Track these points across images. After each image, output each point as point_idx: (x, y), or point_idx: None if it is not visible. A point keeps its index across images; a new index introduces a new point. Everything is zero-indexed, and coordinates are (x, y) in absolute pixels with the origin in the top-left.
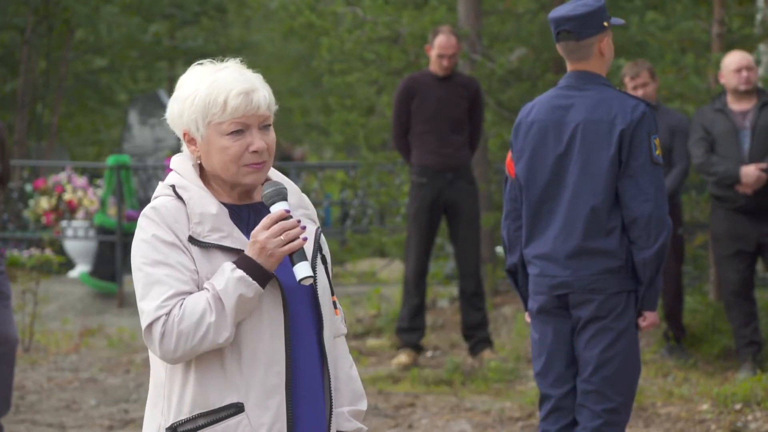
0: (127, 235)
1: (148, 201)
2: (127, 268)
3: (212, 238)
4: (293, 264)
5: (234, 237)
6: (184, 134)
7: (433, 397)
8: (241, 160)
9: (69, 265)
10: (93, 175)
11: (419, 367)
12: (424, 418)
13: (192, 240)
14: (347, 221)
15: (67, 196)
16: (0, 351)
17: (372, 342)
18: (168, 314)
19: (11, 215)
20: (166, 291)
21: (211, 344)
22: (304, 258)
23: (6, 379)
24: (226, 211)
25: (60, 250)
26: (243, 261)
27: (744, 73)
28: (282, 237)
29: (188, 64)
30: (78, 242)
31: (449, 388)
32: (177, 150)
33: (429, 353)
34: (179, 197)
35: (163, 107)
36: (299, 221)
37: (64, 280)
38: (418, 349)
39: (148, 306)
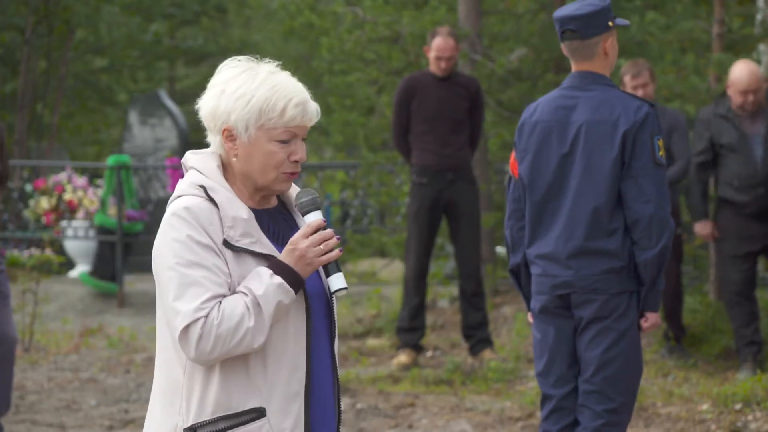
0: (127, 235)
1: (148, 201)
2: (127, 268)
3: (244, 243)
4: (328, 275)
5: (262, 242)
6: (225, 130)
7: (433, 397)
8: (282, 167)
9: (69, 265)
10: (93, 175)
11: (419, 367)
12: (424, 418)
13: (226, 243)
14: (347, 221)
15: (67, 196)
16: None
17: (372, 342)
18: (206, 317)
19: (11, 215)
20: (203, 293)
21: (246, 348)
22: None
23: (6, 378)
24: (253, 215)
25: (60, 250)
26: (281, 268)
27: (750, 98)
28: (321, 247)
29: (188, 64)
30: (78, 242)
31: (449, 388)
32: (177, 150)
33: (429, 353)
34: (211, 199)
35: (163, 107)
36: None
37: (64, 280)
38: (418, 349)
39: (185, 307)
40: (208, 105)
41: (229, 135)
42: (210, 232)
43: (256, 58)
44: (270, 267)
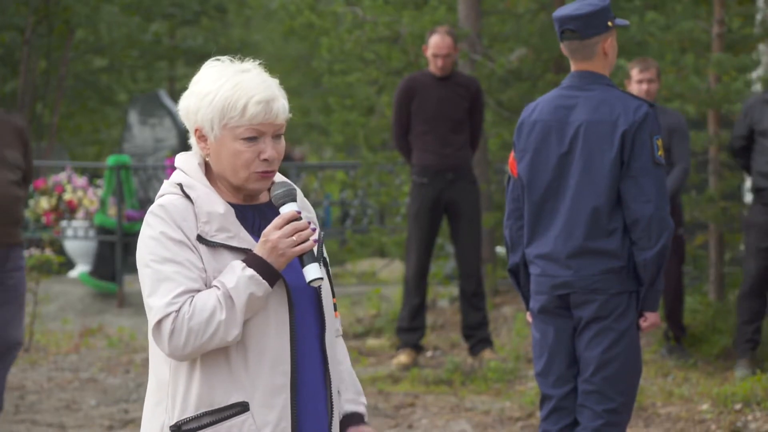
0: (127, 236)
1: (148, 201)
2: (127, 268)
3: (220, 238)
4: (303, 265)
5: (240, 237)
6: (196, 131)
7: (433, 397)
8: (252, 166)
9: (69, 265)
10: (93, 175)
11: (419, 367)
12: (424, 418)
13: (200, 239)
14: (347, 221)
15: (67, 196)
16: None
17: (372, 342)
18: (178, 311)
19: None
20: (175, 288)
21: (220, 342)
22: (313, 260)
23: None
24: (232, 210)
25: (60, 250)
26: (253, 260)
27: None
28: (294, 237)
29: (188, 64)
30: (78, 242)
31: (449, 388)
32: (177, 150)
33: (429, 353)
34: (187, 196)
35: (163, 107)
36: (309, 222)
37: (64, 280)
38: (418, 349)
39: (157, 302)
40: (182, 105)
41: (200, 135)
42: (183, 228)
43: (239, 59)
44: (244, 260)
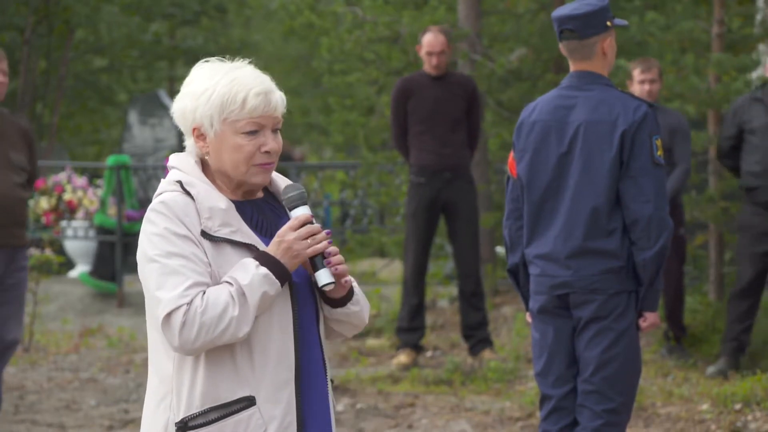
0: (127, 236)
1: (148, 201)
2: (127, 268)
3: (223, 233)
4: (316, 269)
5: (243, 232)
6: (194, 129)
7: (433, 397)
8: (253, 159)
9: (69, 265)
10: (93, 175)
11: (419, 367)
12: (424, 418)
13: (204, 234)
14: (347, 221)
15: (67, 196)
16: None
17: (372, 342)
18: (190, 304)
19: None
20: (184, 281)
21: (230, 338)
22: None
23: None
24: (233, 206)
25: (60, 250)
26: (267, 259)
27: None
28: (309, 240)
29: (188, 64)
30: (78, 242)
31: (449, 388)
32: (177, 150)
33: (429, 353)
34: (187, 193)
35: (163, 107)
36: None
37: (64, 280)
38: (418, 349)
39: (167, 295)
40: (177, 107)
41: (199, 134)
42: (187, 224)
43: (229, 58)
44: (256, 258)
